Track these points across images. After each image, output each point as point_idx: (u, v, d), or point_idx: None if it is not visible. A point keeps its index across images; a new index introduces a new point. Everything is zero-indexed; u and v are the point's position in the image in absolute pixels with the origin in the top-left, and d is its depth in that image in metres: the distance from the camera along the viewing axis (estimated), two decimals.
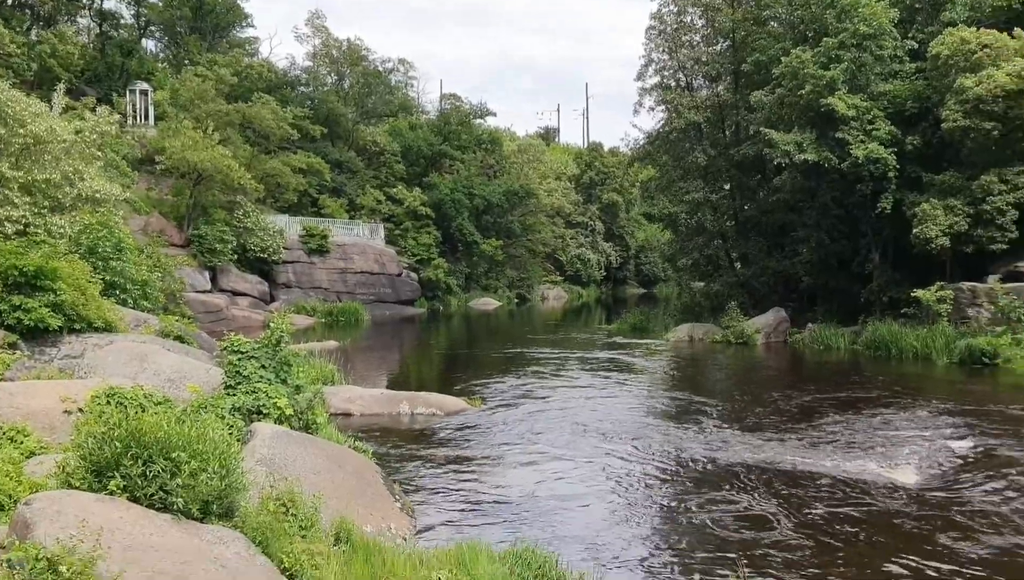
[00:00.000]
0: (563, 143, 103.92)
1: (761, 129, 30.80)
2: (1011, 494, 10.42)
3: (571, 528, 9.41)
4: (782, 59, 30.02)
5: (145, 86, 47.10)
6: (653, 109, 40.05)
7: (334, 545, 7.46)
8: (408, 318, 48.75)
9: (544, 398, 18.70)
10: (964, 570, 7.96)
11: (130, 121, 43.57)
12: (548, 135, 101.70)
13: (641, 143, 42.56)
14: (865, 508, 9.97)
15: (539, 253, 72.51)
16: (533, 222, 69.61)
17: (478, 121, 70.45)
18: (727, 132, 37.62)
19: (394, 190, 58.36)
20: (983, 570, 7.96)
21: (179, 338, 16.52)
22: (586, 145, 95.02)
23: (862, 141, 27.84)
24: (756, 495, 10.58)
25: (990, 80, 25.18)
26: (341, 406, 16.14)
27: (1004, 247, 26.40)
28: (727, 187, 37.85)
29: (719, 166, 36.53)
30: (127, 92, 46.32)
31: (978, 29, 27.27)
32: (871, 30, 28.84)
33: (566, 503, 10.40)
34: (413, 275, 55.96)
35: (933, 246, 26.41)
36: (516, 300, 66.15)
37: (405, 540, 8.67)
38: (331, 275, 49.00)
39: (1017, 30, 27.09)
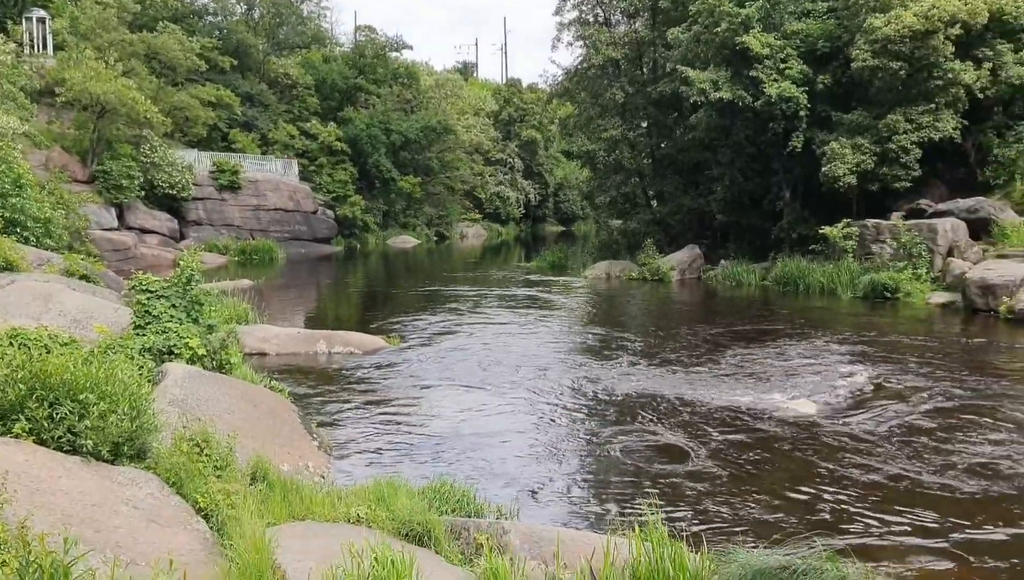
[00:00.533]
0: (482, 79, 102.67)
1: (678, 67, 30.95)
2: (905, 421, 10.95)
3: (491, 463, 9.55)
4: None
5: (42, 13, 44.49)
6: (571, 45, 39.80)
7: (250, 484, 7.41)
8: (324, 256, 48.07)
9: (463, 335, 18.77)
10: (860, 494, 8.37)
11: (27, 51, 41.17)
12: (466, 70, 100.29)
13: (559, 80, 42.34)
14: (770, 438, 10.36)
15: (458, 190, 72.02)
16: (452, 159, 68.92)
17: (394, 55, 68.90)
18: (645, 69, 37.69)
19: (308, 125, 56.95)
20: (877, 494, 8.39)
21: (85, 277, 15.97)
22: (505, 81, 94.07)
23: (775, 80, 28.26)
24: (669, 427, 10.89)
25: (898, 20, 25.75)
26: (256, 346, 15.91)
27: (907, 185, 27.36)
28: (644, 125, 38.07)
29: (637, 104, 36.65)
30: (23, 20, 43.71)
31: None
32: None
33: (486, 439, 10.53)
34: (329, 213, 55.03)
35: (841, 184, 27.17)
36: (435, 238, 65.78)
37: (323, 478, 8.67)
38: (244, 212, 47.80)
39: None
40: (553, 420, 11.54)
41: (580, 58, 39.61)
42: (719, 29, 29.03)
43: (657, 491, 8.30)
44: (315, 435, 9.99)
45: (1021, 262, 21.53)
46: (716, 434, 10.53)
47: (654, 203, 38.05)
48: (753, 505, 8.08)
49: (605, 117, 38.30)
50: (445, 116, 68.57)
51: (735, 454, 9.72)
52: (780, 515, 7.80)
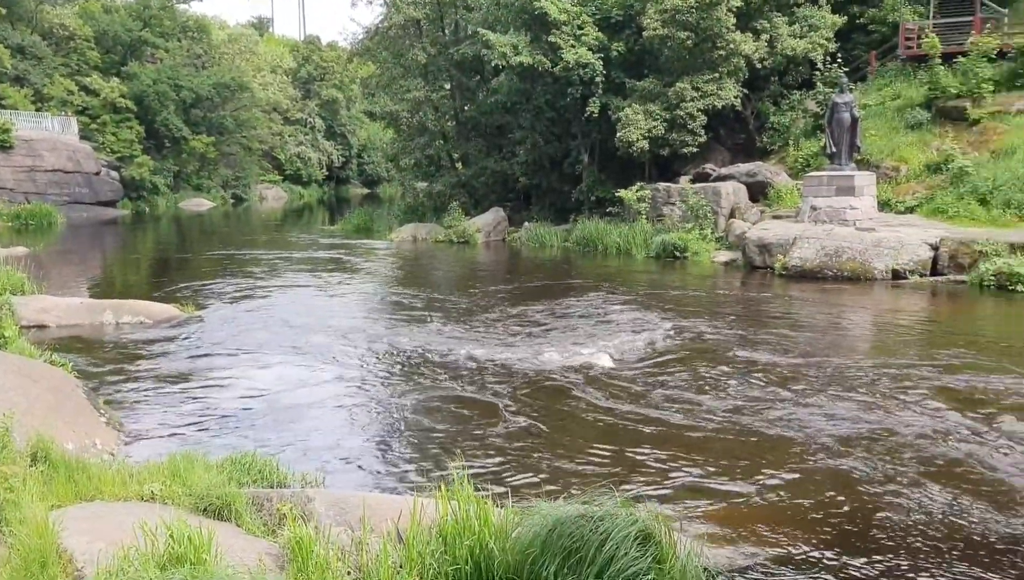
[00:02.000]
0: (279, 35, 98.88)
1: (479, 30, 31.09)
2: (696, 370, 11.68)
3: (296, 432, 9.33)
4: None
5: None
6: (371, 3, 39.09)
7: (31, 465, 6.86)
8: (110, 221, 45.00)
9: (264, 301, 18.18)
10: (656, 442, 8.87)
11: None
12: (262, 25, 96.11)
13: (360, 38, 41.51)
14: (573, 392, 10.75)
15: (256, 151, 69.28)
16: (248, 117, 66.12)
17: (183, 7, 65.07)
18: (447, 31, 37.56)
19: (88, 80, 52.82)
20: (671, 442, 8.92)
21: None
22: (303, 38, 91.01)
23: (572, 46, 28.98)
24: (477, 385, 11.06)
25: None
26: (34, 318, 14.70)
27: (694, 150, 28.98)
28: (448, 87, 38.03)
29: (439, 65, 36.51)
30: None
31: None
32: None
33: (291, 408, 10.28)
34: (114, 174, 51.50)
35: (635, 149, 28.37)
36: (232, 200, 63.11)
37: (113, 456, 8.17)
38: (17, 174, 43.87)
39: None
40: (361, 385, 11.43)
41: (381, 16, 38.96)
42: None
43: (465, 449, 8.43)
44: (103, 411, 9.38)
45: (793, 222, 23.38)
46: (522, 390, 10.80)
47: (459, 165, 38.23)
48: (557, 458, 8.37)
49: (408, 78, 37.93)
50: (240, 73, 65.59)
51: (540, 409, 10.02)
52: (582, 467, 8.13)
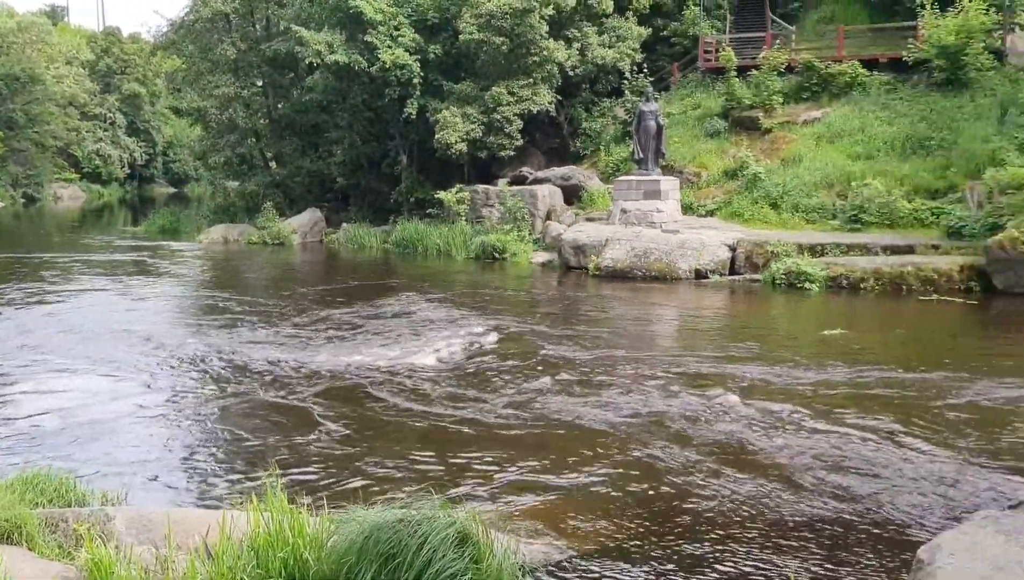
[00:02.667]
0: (75, 24, 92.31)
1: (292, 26, 30.34)
2: (517, 367, 11.88)
3: (95, 449, 8.73)
4: None
5: None
6: None
7: None
8: None
9: (59, 307, 16.92)
10: (479, 442, 8.95)
11: None
12: (55, 14, 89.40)
13: (165, 31, 39.48)
14: (394, 394, 10.67)
15: (50, 147, 64.35)
16: (40, 112, 61.32)
17: None
18: (257, 26, 36.36)
19: None
20: (494, 441, 9.03)
21: None
22: (101, 29, 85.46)
23: (389, 46, 28.81)
24: (293, 392, 10.77)
25: None
26: None
27: (512, 153, 29.52)
28: (260, 83, 36.81)
29: (250, 61, 35.30)
30: None
31: None
32: None
33: (89, 423, 9.60)
34: None
35: (453, 151, 28.55)
36: (22, 200, 58.42)
37: None
38: None
39: None
40: (166, 395, 10.85)
41: (187, 9, 37.15)
42: None
43: (279, 459, 8.18)
44: None
45: (605, 225, 24.27)
46: (338, 395, 10.61)
47: (273, 164, 37.11)
48: (376, 464, 8.27)
49: (216, 73, 36.36)
50: (31, 64, 60.78)
51: (357, 414, 9.87)
52: (402, 472, 8.08)
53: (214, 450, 8.90)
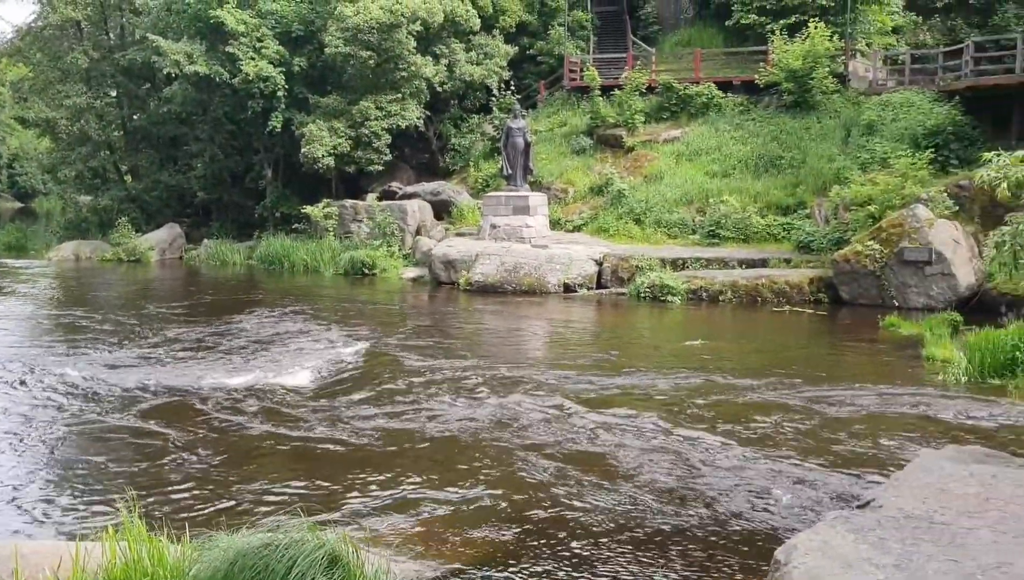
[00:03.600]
0: None
1: (148, 35, 29.25)
2: (388, 386, 11.75)
3: None
4: None
5: None
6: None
7: None
8: None
9: None
10: (348, 462, 8.80)
11: None
12: None
13: (10, 37, 37.36)
14: (261, 415, 10.37)
15: None
16: None
17: None
18: (111, 34, 34.87)
19: None
20: (366, 463, 8.90)
21: None
22: None
23: (252, 58, 28.18)
24: (148, 418, 10.30)
25: (367, 11, 27.32)
26: None
27: (380, 168, 29.35)
28: (114, 94, 35.28)
29: (103, 70, 33.80)
30: None
31: None
32: None
33: None
34: None
35: (320, 165, 28.14)
36: None
37: None
38: None
39: None
40: (11, 422, 10.17)
41: (34, 15, 35.30)
42: (191, 1, 28.06)
43: (138, 486, 7.80)
44: None
45: (475, 240, 24.42)
46: (200, 418, 10.22)
47: (128, 178, 35.57)
48: (241, 488, 8.01)
49: (67, 83, 34.64)
50: None
51: (220, 437, 9.54)
52: (269, 496, 7.84)
53: (65, 478, 8.41)
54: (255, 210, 31.46)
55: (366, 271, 24.80)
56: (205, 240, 30.65)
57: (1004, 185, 6.74)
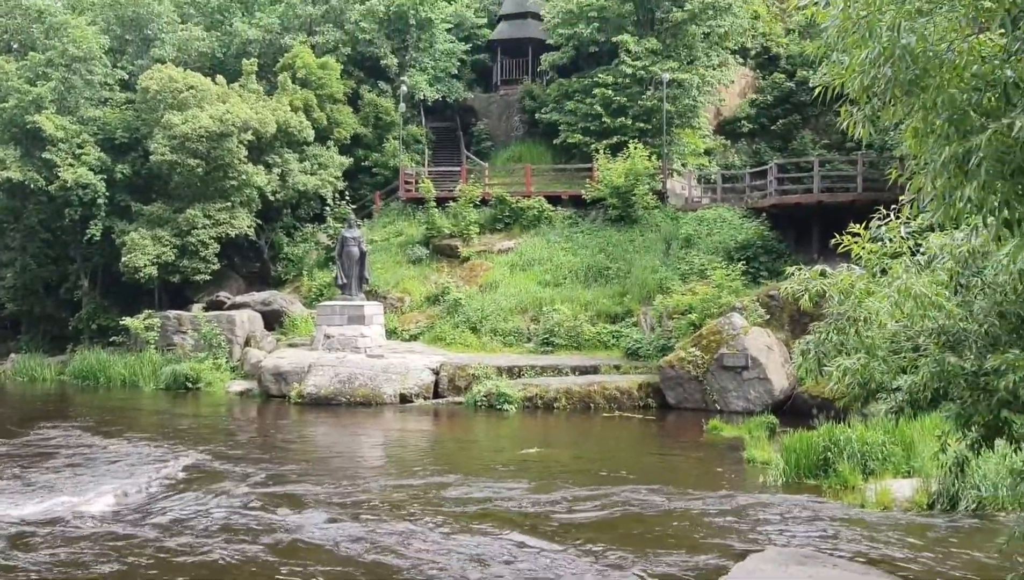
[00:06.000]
0: None
1: None
2: (209, 506, 11.03)
3: None
4: None
5: None
6: None
7: None
8: None
9: None
10: None
11: None
12: None
13: None
14: (62, 544, 9.45)
15: None
16: None
17: None
18: None
19: None
20: None
21: None
22: None
23: (71, 164, 27.03)
24: None
25: (195, 120, 26.86)
26: None
27: (208, 278, 28.38)
28: None
29: None
30: None
31: (185, 70, 29.00)
32: (81, 53, 28.36)
33: None
34: None
35: (142, 275, 26.94)
36: None
37: None
38: None
39: (220, 77, 29.59)
40: None
41: None
42: (7, 105, 26.82)
43: None
44: None
45: (308, 351, 23.82)
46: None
47: None
48: None
49: None
50: None
51: (34, 571, 8.61)
52: None
53: None
54: (69, 322, 29.63)
55: (190, 385, 23.59)
56: (12, 354, 28.46)
57: (806, 297, 7.23)
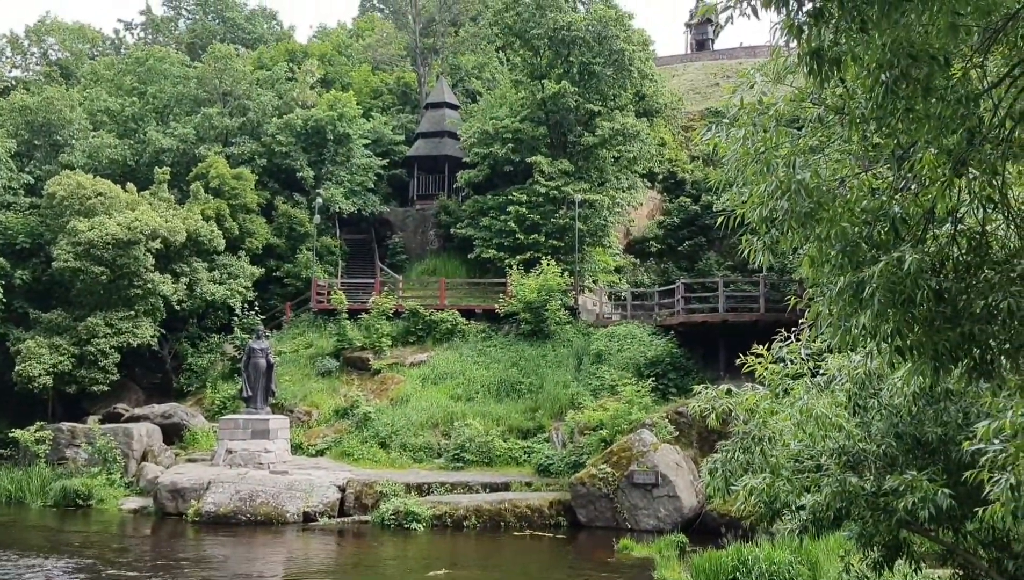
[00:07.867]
0: None
1: None
2: None
3: None
4: None
5: None
6: None
7: None
8: None
9: None
10: None
11: None
12: None
13: None
14: None
15: None
16: None
17: None
18: None
19: None
20: None
21: None
22: None
23: None
24: None
25: (102, 227, 26.32)
26: None
27: (106, 388, 27.28)
28: None
29: None
30: None
31: (95, 177, 28.58)
32: None
33: None
34: None
35: (36, 385, 25.77)
36: None
37: None
38: None
39: (130, 184, 29.24)
40: None
41: None
42: None
43: None
44: None
45: (209, 466, 22.88)
46: None
47: None
48: None
49: None
50: None
51: None
52: None
53: None
54: None
55: (81, 502, 22.28)
56: None
57: (713, 415, 7.38)
